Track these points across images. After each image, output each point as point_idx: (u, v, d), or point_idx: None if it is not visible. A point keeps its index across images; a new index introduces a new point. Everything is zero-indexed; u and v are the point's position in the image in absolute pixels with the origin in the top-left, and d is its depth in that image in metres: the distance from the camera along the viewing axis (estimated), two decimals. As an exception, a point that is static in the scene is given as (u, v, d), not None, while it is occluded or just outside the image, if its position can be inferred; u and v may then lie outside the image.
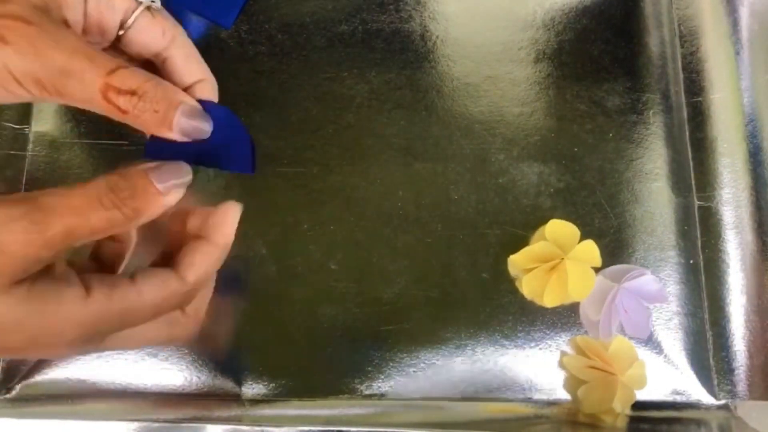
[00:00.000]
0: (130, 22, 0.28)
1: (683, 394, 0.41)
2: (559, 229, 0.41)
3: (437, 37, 0.46)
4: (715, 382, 0.41)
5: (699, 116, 0.45)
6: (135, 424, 0.38)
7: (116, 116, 0.26)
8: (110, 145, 0.43)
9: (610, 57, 0.45)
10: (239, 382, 0.40)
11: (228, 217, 0.29)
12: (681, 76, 0.45)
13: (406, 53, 0.45)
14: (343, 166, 0.43)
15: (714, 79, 0.45)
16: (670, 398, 0.41)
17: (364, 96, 0.45)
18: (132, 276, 0.27)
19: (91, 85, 0.25)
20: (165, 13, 0.29)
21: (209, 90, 0.29)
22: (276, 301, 0.41)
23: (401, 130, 0.44)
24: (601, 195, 0.43)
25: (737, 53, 0.45)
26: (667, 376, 0.41)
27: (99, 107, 0.26)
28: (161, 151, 0.28)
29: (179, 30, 0.29)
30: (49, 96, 0.26)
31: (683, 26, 0.46)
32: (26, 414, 0.39)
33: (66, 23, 0.27)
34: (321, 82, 0.45)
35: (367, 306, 0.41)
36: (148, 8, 0.28)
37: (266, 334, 0.41)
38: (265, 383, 0.40)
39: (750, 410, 0.41)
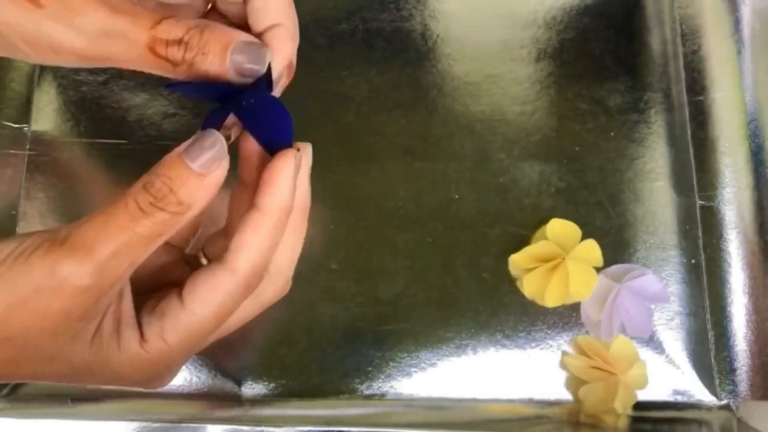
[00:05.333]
0: None
1: (685, 395, 0.41)
2: (560, 229, 0.41)
3: (438, 35, 0.46)
4: (717, 382, 0.41)
5: (701, 115, 0.44)
6: (135, 424, 0.37)
7: (168, 72, 0.24)
8: (109, 144, 0.43)
9: (611, 56, 0.45)
10: (239, 382, 0.40)
11: (274, 175, 0.24)
12: (682, 75, 0.45)
13: (406, 52, 0.45)
14: (343, 165, 0.43)
15: (716, 78, 0.45)
16: (671, 398, 0.41)
17: (365, 95, 0.44)
18: (179, 294, 0.24)
19: (137, 42, 0.24)
20: None
21: (281, 36, 0.26)
22: (276, 301, 0.41)
23: (402, 130, 0.44)
24: (603, 194, 0.43)
25: (739, 52, 0.45)
26: (669, 376, 0.41)
27: (148, 64, 0.24)
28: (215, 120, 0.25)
29: None
30: (93, 63, 0.24)
31: (685, 25, 0.46)
32: (26, 414, 0.39)
33: None
34: (321, 81, 0.45)
35: (367, 306, 0.41)
36: None
37: (266, 334, 0.41)
38: (265, 383, 0.40)
39: (751, 410, 0.41)
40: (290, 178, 0.24)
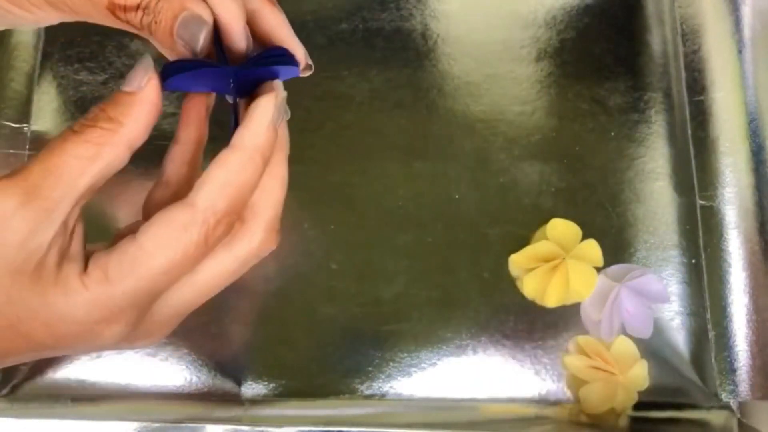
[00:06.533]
0: None
1: (685, 395, 0.41)
2: (560, 229, 0.41)
3: (438, 35, 0.46)
4: (717, 382, 0.41)
5: (701, 115, 0.44)
6: (135, 424, 0.37)
7: (134, 31, 0.25)
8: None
9: (611, 55, 0.45)
10: (239, 382, 0.40)
11: (254, 111, 0.24)
12: (683, 74, 0.45)
13: (406, 52, 0.45)
14: (343, 165, 0.43)
15: (716, 78, 0.45)
16: (671, 398, 0.41)
17: (365, 95, 0.44)
18: (135, 232, 0.23)
19: (98, 4, 0.24)
20: None
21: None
22: (276, 301, 0.41)
23: (402, 129, 0.44)
24: (603, 194, 0.43)
25: (739, 52, 0.44)
26: (669, 376, 0.41)
27: (114, 24, 0.25)
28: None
29: None
30: (63, 14, 0.25)
31: (685, 25, 0.46)
32: (26, 414, 0.39)
33: None
34: (321, 80, 0.45)
35: (367, 306, 0.41)
36: None
37: (266, 334, 0.41)
38: (265, 383, 0.40)
39: (752, 410, 0.41)
40: (269, 116, 0.24)
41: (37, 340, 0.23)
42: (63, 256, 0.23)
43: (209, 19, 0.24)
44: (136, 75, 0.23)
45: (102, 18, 0.24)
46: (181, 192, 0.27)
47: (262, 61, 0.26)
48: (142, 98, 0.23)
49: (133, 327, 0.24)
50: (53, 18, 0.26)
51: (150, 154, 0.44)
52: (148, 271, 0.23)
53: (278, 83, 0.25)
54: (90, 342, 0.24)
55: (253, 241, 0.25)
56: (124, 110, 0.23)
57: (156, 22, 0.24)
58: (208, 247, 0.24)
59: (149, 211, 0.27)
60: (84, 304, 0.23)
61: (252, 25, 0.27)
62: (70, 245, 0.23)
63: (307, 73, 0.29)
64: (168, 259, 0.23)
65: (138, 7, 0.24)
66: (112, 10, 0.24)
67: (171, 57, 0.27)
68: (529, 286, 0.41)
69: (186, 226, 0.23)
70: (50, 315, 0.23)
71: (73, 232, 0.23)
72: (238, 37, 0.26)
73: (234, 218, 0.24)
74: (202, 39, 0.24)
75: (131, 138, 0.23)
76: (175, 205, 0.23)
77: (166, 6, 0.24)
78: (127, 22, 0.24)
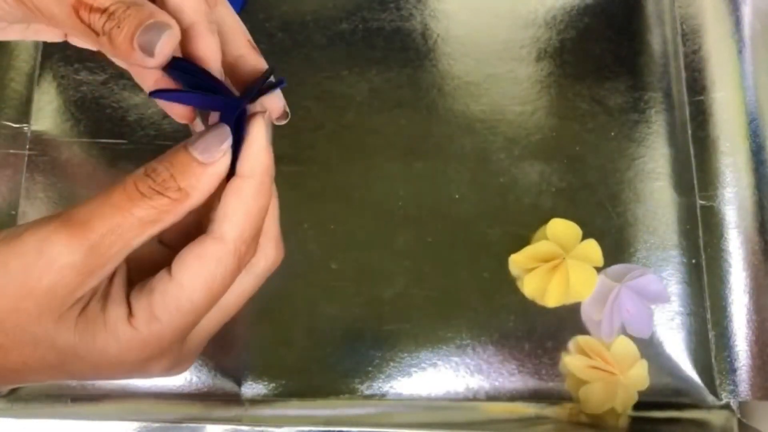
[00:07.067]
0: None
1: (685, 395, 0.41)
2: (560, 229, 0.41)
3: (438, 35, 0.46)
4: (717, 382, 0.41)
5: (701, 115, 0.44)
6: (135, 424, 0.37)
7: (92, 44, 0.24)
8: (109, 143, 0.43)
9: (611, 55, 0.45)
10: (239, 382, 0.40)
11: (250, 139, 0.24)
12: (683, 74, 0.45)
13: (406, 52, 0.45)
14: (343, 165, 0.43)
15: (716, 78, 0.45)
16: (671, 398, 0.41)
17: (365, 95, 0.44)
18: (169, 269, 0.24)
19: (64, 1, 0.23)
20: None
21: (200, 35, 0.25)
22: (276, 301, 0.41)
23: (402, 129, 0.44)
24: (603, 194, 0.43)
25: (739, 52, 0.44)
26: (669, 376, 0.41)
27: (75, 28, 0.24)
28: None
29: None
30: (27, 11, 0.24)
31: (685, 25, 0.46)
32: (26, 414, 0.39)
33: None
34: (321, 80, 0.45)
35: (367, 306, 0.41)
36: None
37: (266, 334, 0.41)
38: (265, 383, 0.40)
39: (752, 410, 0.41)
40: (265, 139, 0.24)
41: (78, 376, 0.24)
42: (106, 301, 0.24)
43: (175, 28, 0.24)
44: (212, 145, 0.23)
45: (63, 17, 0.24)
46: (203, 219, 0.27)
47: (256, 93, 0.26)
48: (214, 172, 0.23)
49: (178, 357, 0.25)
50: (14, 16, 0.25)
51: (151, 154, 0.44)
52: (192, 307, 0.24)
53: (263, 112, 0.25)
54: (135, 376, 0.25)
55: (269, 259, 0.27)
56: (194, 183, 0.23)
57: (118, 27, 0.23)
58: (239, 271, 0.24)
59: (172, 237, 0.27)
60: (137, 345, 0.23)
61: (237, 68, 0.27)
62: (111, 289, 0.24)
63: (283, 122, 0.29)
64: (208, 291, 0.24)
65: (105, 10, 0.23)
66: (77, 8, 0.23)
67: (128, 68, 0.27)
68: (529, 286, 0.41)
69: (220, 260, 0.23)
70: (99, 358, 0.23)
71: (113, 275, 0.24)
72: (216, 73, 0.26)
73: (257, 241, 0.25)
74: (160, 46, 0.23)
75: (193, 206, 0.23)
76: (204, 240, 0.24)
77: (134, 14, 0.23)
78: (89, 25, 0.24)
